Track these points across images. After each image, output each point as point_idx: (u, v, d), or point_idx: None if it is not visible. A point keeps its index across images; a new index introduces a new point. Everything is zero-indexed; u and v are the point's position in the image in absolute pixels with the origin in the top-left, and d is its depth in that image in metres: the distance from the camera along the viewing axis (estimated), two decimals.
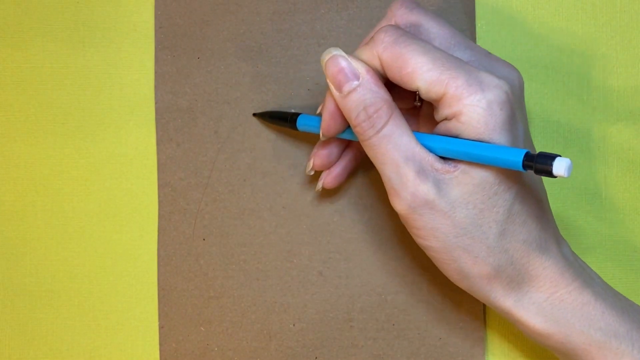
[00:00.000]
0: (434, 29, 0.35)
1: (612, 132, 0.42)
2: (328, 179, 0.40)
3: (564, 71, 0.42)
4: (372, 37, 0.34)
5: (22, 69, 0.43)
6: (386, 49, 0.33)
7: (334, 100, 0.34)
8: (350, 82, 0.33)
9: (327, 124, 0.35)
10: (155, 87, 0.43)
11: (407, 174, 0.32)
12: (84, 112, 0.43)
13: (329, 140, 0.39)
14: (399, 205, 0.33)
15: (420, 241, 0.34)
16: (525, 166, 0.29)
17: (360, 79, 0.33)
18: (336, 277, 0.42)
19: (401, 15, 0.35)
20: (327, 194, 0.42)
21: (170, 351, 0.43)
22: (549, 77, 0.42)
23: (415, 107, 0.38)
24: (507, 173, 0.32)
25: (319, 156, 0.39)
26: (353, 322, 0.42)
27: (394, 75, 0.33)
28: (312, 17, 0.43)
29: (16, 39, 0.43)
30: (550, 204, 0.42)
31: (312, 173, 0.40)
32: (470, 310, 0.42)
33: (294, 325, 0.42)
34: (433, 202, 0.32)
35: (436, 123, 0.34)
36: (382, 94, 0.33)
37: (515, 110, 0.32)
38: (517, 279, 0.34)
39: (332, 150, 0.39)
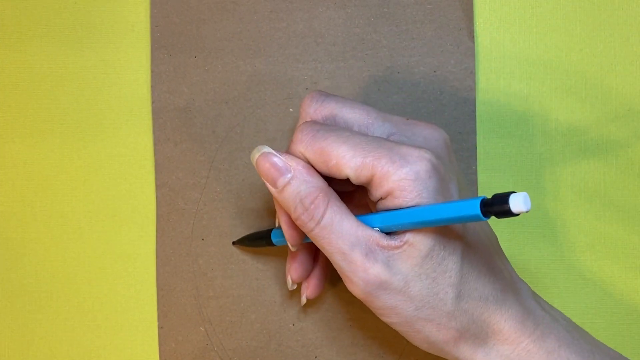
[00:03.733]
0: (349, 114, 0.35)
1: (610, 130, 0.42)
2: (309, 291, 0.40)
3: (562, 69, 0.42)
4: (292, 138, 0.34)
5: (20, 70, 0.43)
6: (307, 147, 0.33)
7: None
8: (284, 176, 0.33)
9: (289, 234, 0.35)
10: (152, 86, 0.43)
11: (356, 259, 0.32)
12: (82, 112, 0.43)
13: (297, 252, 0.39)
14: (355, 290, 0.33)
15: (383, 319, 0.34)
16: (485, 213, 0.29)
17: (292, 171, 0.33)
18: (335, 276, 0.42)
19: (314, 110, 0.35)
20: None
21: (169, 351, 0.43)
22: (547, 75, 0.42)
23: (356, 188, 0.38)
24: (449, 236, 0.32)
25: (294, 270, 0.39)
26: (352, 321, 0.42)
27: (322, 169, 0.33)
28: (310, 16, 0.43)
29: (14, 40, 0.43)
30: (549, 203, 0.42)
31: (295, 287, 0.40)
32: None
33: (293, 324, 0.42)
34: (386, 282, 0.32)
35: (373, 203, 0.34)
36: (316, 182, 0.33)
37: (444, 172, 0.32)
38: (481, 336, 0.33)
39: (303, 260, 0.39)
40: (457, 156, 0.42)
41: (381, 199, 0.32)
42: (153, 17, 0.43)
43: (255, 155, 0.34)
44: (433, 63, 0.42)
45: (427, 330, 0.33)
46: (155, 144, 0.43)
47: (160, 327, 0.43)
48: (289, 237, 0.36)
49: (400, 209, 0.31)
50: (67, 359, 0.43)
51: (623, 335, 0.42)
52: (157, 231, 0.43)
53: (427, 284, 0.32)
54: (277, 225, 0.39)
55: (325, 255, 0.39)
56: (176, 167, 0.43)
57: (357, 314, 0.42)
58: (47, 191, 0.43)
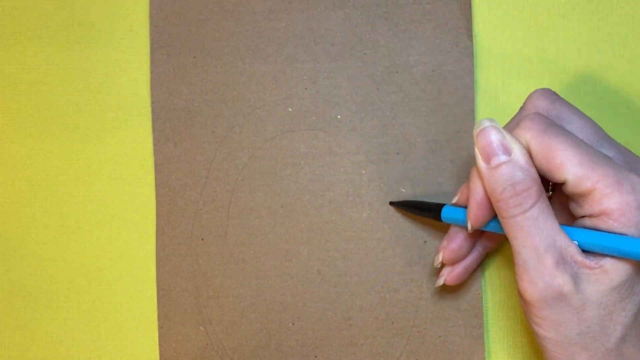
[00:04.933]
0: (577, 123, 0.34)
1: (609, 128, 0.42)
2: (451, 276, 0.39)
3: (561, 67, 0.42)
4: (519, 123, 0.33)
5: (19, 71, 0.43)
6: (535, 137, 0.32)
7: (482, 186, 0.33)
8: (502, 155, 0.32)
9: (476, 215, 0.34)
10: (152, 86, 0.43)
11: (546, 262, 0.31)
12: (81, 113, 0.43)
13: (459, 234, 0.38)
14: (530, 291, 0.32)
15: (537, 329, 0.33)
16: None
17: (512, 154, 0.32)
18: (335, 275, 0.42)
19: (544, 107, 0.35)
20: (328, 194, 0.42)
21: (169, 351, 0.43)
22: (545, 73, 0.42)
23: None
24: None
25: (450, 251, 0.38)
26: (352, 321, 0.42)
27: (541, 165, 0.32)
28: (308, 16, 0.43)
29: (13, 41, 0.43)
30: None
31: (439, 266, 0.39)
32: (470, 307, 0.42)
33: (293, 324, 0.43)
34: (567, 296, 0.31)
35: (566, 215, 0.34)
36: (533, 173, 0.32)
37: None
38: None
39: (464, 245, 0.38)
40: (457, 155, 0.42)
41: (591, 215, 0.31)
42: (152, 17, 0.43)
43: (480, 126, 0.33)
44: (432, 62, 0.42)
45: (577, 358, 0.32)
46: (154, 144, 0.43)
47: (160, 327, 0.43)
48: (474, 218, 0.34)
49: (610, 232, 0.31)
50: (67, 359, 0.43)
51: None
52: (156, 231, 0.43)
53: (603, 314, 0.31)
54: (454, 201, 0.38)
55: (483, 248, 0.39)
56: (176, 167, 0.43)
57: (357, 314, 0.42)
58: (47, 191, 0.43)
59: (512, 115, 0.42)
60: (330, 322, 0.42)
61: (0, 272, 0.43)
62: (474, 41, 0.42)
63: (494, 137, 0.32)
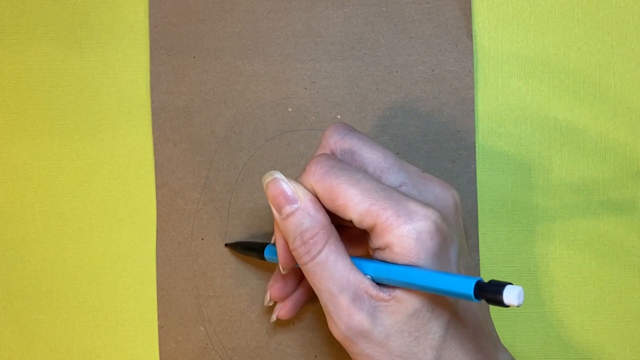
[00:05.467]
0: (367, 154, 0.35)
1: (609, 128, 0.42)
2: (282, 311, 0.40)
3: (561, 67, 0.42)
4: (305, 168, 0.34)
5: (20, 71, 0.43)
6: (318, 182, 0.33)
7: (282, 235, 0.34)
8: (290, 205, 0.33)
9: (283, 258, 0.35)
10: (152, 87, 0.43)
11: (342, 303, 0.32)
12: (81, 113, 0.43)
13: (284, 273, 0.39)
14: (335, 332, 0.33)
15: None
16: (477, 296, 0.28)
17: (299, 202, 0.33)
18: None
19: (334, 142, 0.35)
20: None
21: (169, 351, 0.43)
22: (545, 73, 0.42)
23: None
24: (439, 300, 0.32)
25: (276, 289, 0.39)
26: None
27: (328, 206, 0.33)
28: (308, 16, 0.43)
29: (13, 41, 0.43)
30: (548, 201, 0.42)
31: (271, 304, 0.40)
32: None
33: (293, 324, 0.43)
34: (367, 332, 0.32)
35: None
36: (320, 217, 0.33)
37: (446, 235, 0.32)
38: None
39: (288, 282, 0.40)
40: (457, 155, 0.42)
41: (379, 248, 0.32)
42: (152, 17, 0.43)
43: (267, 179, 0.34)
44: (431, 62, 0.42)
45: None
46: (154, 144, 0.43)
47: (160, 327, 0.43)
48: (282, 261, 0.36)
49: (396, 264, 0.31)
50: (67, 359, 0.43)
51: (622, 333, 0.42)
52: (157, 231, 0.43)
53: (408, 341, 0.32)
54: (272, 241, 0.39)
55: (309, 284, 0.39)
56: (176, 167, 0.43)
57: None
58: (47, 191, 0.43)
59: (513, 116, 0.42)
60: None
61: (0, 271, 0.43)
62: (474, 41, 0.42)
63: (281, 188, 0.33)
